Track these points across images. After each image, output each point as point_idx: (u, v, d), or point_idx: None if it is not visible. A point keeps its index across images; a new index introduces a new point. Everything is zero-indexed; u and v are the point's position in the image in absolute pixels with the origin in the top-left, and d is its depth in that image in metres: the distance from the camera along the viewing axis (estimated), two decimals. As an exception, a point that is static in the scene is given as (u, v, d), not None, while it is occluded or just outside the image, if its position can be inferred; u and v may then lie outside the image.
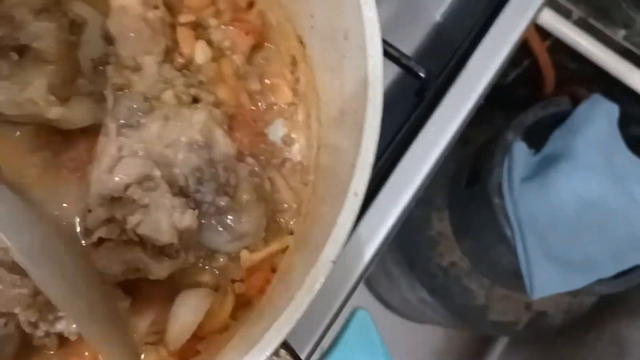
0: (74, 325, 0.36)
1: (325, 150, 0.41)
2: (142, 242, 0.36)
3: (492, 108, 0.92)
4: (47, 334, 0.37)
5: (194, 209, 0.37)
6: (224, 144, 0.40)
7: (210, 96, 0.42)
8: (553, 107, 0.90)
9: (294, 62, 0.47)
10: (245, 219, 0.39)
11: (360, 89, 0.33)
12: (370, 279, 1.17)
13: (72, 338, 0.37)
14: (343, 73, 0.37)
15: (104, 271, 0.36)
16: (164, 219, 0.36)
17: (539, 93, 1.06)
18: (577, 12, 0.96)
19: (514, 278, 0.88)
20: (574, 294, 0.93)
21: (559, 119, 0.92)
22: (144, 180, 0.36)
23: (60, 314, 0.36)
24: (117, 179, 0.36)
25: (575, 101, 0.92)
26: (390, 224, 0.49)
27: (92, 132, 0.39)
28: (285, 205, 0.43)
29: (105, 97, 0.40)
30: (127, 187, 0.36)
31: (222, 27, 0.45)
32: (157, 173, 0.37)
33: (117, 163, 0.37)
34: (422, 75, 0.51)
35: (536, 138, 0.92)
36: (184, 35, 0.44)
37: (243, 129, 0.44)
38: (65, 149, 0.41)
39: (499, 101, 0.87)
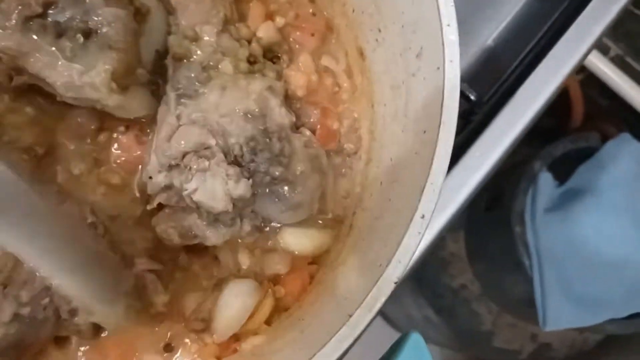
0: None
1: (377, 165, 0.41)
2: (198, 209, 0.37)
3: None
4: (84, 323, 0.37)
5: (248, 178, 0.38)
6: (279, 114, 0.40)
7: (271, 71, 0.42)
8: (582, 141, 0.90)
9: (349, 73, 0.47)
10: (299, 189, 0.39)
11: (432, 111, 0.32)
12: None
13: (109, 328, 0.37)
14: (409, 91, 0.37)
15: (162, 236, 0.38)
16: (219, 187, 0.36)
17: (566, 124, 1.06)
18: (615, 49, 0.96)
19: (524, 307, 0.88)
20: (580, 330, 0.93)
21: (585, 154, 0.92)
22: (200, 149, 0.37)
23: None
24: (175, 146, 0.37)
25: (604, 139, 0.92)
26: (422, 247, 0.49)
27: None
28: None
29: (160, 88, 0.40)
30: (184, 154, 0.37)
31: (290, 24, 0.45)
32: (212, 142, 0.37)
33: (176, 131, 0.37)
34: (472, 98, 0.51)
35: (561, 170, 0.91)
36: (255, 10, 0.45)
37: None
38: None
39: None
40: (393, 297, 0.28)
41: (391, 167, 0.37)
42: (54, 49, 0.36)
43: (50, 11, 0.36)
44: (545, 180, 0.88)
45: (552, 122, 1.04)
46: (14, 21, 0.36)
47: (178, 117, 0.38)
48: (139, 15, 0.40)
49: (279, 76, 0.43)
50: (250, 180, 0.38)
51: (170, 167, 0.37)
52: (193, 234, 0.38)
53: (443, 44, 0.32)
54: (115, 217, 0.40)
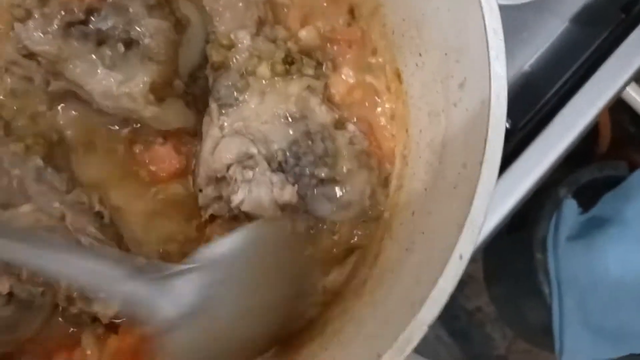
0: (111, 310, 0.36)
1: (408, 192, 0.40)
2: (248, 217, 0.38)
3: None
4: (81, 312, 0.37)
5: (293, 184, 0.38)
6: (320, 113, 0.40)
7: (310, 69, 0.42)
8: (610, 169, 0.88)
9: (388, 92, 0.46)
10: (347, 188, 0.40)
11: (474, 145, 0.31)
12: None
13: (104, 321, 0.37)
14: (449, 121, 0.36)
15: None
16: (265, 195, 0.37)
17: (591, 150, 1.04)
18: (648, 77, 0.94)
19: (540, 334, 0.86)
20: (597, 361, 0.91)
21: (611, 182, 0.90)
22: (243, 159, 0.37)
23: (100, 294, 0.36)
24: (218, 160, 0.38)
25: (632, 167, 0.90)
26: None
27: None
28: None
29: (197, 100, 0.40)
30: (228, 167, 0.38)
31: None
32: (255, 151, 0.37)
33: (219, 143, 0.38)
34: (507, 125, 0.50)
35: (585, 197, 0.90)
36: (293, 12, 0.45)
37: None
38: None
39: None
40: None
41: (425, 198, 0.36)
42: (94, 56, 0.36)
43: (93, 19, 0.36)
44: (570, 207, 0.86)
45: (580, 147, 1.02)
46: (55, 26, 0.36)
47: (221, 128, 0.38)
48: (179, 26, 0.40)
49: (317, 75, 0.43)
50: (296, 186, 0.38)
51: (218, 180, 0.38)
52: None
53: (490, 78, 0.31)
54: (119, 209, 0.41)
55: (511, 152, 0.51)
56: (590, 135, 1.00)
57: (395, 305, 0.31)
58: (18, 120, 0.40)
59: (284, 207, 0.38)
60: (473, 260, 1.00)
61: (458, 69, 0.34)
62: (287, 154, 0.38)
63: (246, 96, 0.39)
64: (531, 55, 0.57)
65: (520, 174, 0.51)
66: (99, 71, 0.36)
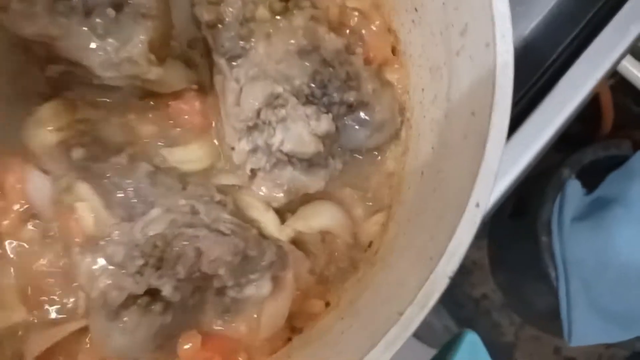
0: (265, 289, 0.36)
1: (415, 155, 0.38)
2: (290, 161, 0.36)
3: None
4: (234, 300, 0.36)
5: (327, 113, 0.36)
6: (330, 41, 0.38)
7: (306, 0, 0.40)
8: (614, 149, 0.86)
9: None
10: (378, 107, 0.38)
11: (481, 91, 0.29)
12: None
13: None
14: (453, 72, 0.33)
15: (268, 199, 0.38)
16: (303, 130, 0.36)
17: (595, 131, 1.02)
18: (648, 54, 0.93)
19: (548, 319, 0.84)
20: (607, 345, 0.88)
21: (615, 162, 0.88)
22: (272, 100, 0.36)
23: (252, 277, 0.35)
24: (246, 107, 0.36)
25: (635, 147, 0.88)
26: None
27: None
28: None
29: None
30: (258, 112, 0.36)
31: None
32: (280, 89, 0.36)
33: (240, 94, 0.36)
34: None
35: (589, 178, 0.88)
36: None
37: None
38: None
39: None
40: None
41: (433, 156, 0.34)
42: (85, 28, 0.34)
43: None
44: (574, 188, 0.84)
45: (582, 128, 1.00)
46: (38, 6, 0.33)
47: (237, 80, 0.37)
48: None
49: (314, 4, 0.41)
50: (330, 114, 0.37)
51: (249, 129, 0.36)
52: (295, 188, 0.37)
53: (493, 17, 0.29)
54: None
55: (510, 125, 0.49)
56: (594, 117, 0.99)
57: (409, 265, 0.29)
58: (106, 131, 0.38)
59: (324, 139, 0.36)
60: (477, 247, 0.98)
61: (458, 15, 0.32)
62: (312, 85, 0.36)
63: (252, 43, 0.37)
64: (524, 29, 0.55)
65: (516, 153, 0.49)
66: (92, 43, 0.34)
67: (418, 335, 1.14)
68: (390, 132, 0.39)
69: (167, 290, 0.33)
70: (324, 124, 0.36)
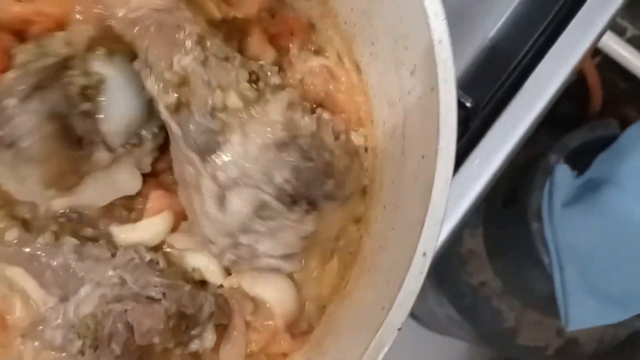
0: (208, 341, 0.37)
1: (379, 185, 0.39)
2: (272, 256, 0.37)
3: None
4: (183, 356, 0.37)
5: (309, 211, 0.37)
6: (305, 126, 0.37)
7: (275, 76, 0.38)
8: (601, 129, 0.86)
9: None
10: (348, 182, 0.39)
11: (429, 134, 0.30)
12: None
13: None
14: (407, 110, 0.35)
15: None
16: (290, 236, 0.36)
17: (584, 111, 1.02)
18: (631, 30, 0.92)
19: (548, 303, 0.85)
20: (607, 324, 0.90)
21: (604, 142, 0.88)
22: (259, 211, 0.35)
23: (193, 332, 0.36)
24: (235, 219, 0.35)
25: (624, 124, 0.88)
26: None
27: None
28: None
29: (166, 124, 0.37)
30: (244, 224, 0.36)
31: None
32: (266, 197, 0.35)
33: (224, 200, 0.35)
34: (468, 105, 0.48)
35: (579, 160, 0.88)
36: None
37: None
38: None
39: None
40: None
41: (392, 191, 0.35)
42: None
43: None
44: (563, 173, 0.85)
45: (570, 109, 1.00)
46: None
47: (213, 178, 0.35)
48: (85, 95, 0.36)
49: (283, 85, 0.39)
50: (315, 212, 0.37)
51: (235, 237, 0.36)
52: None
53: (435, 63, 0.30)
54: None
55: (477, 131, 0.50)
56: (582, 97, 0.98)
57: (368, 308, 0.30)
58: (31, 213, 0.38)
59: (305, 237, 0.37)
60: (472, 235, 0.99)
61: (407, 55, 0.33)
62: (294, 182, 0.36)
63: (226, 136, 0.35)
64: (492, 26, 0.55)
65: (490, 151, 0.49)
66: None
67: (422, 322, 1.16)
68: (357, 192, 0.40)
69: None
70: (309, 226, 0.36)
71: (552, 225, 0.80)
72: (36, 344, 0.34)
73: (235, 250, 0.36)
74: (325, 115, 0.40)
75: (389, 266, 0.30)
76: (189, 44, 0.35)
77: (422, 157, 0.31)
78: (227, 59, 0.37)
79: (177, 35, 0.35)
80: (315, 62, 0.43)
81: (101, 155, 0.37)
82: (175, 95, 0.35)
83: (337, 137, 0.39)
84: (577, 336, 0.93)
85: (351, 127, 0.41)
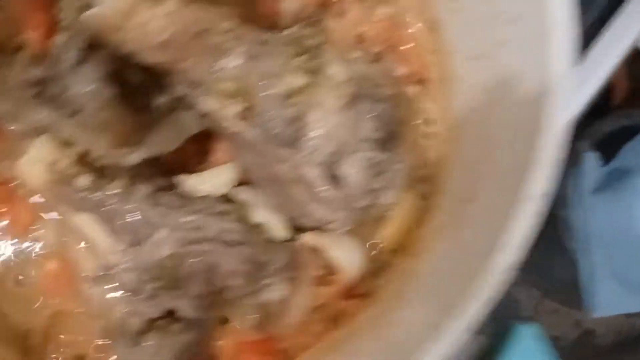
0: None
1: (457, 142, 0.38)
2: None
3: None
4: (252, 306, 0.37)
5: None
6: (367, 72, 0.37)
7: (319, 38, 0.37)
8: (627, 119, 0.86)
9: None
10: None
11: (534, 76, 0.29)
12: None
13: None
14: (497, 62, 0.33)
15: None
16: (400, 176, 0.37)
17: (605, 105, 1.01)
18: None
19: (568, 292, 0.84)
20: (627, 315, 0.90)
21: (630, 131, 0.88)
22: (369, 168, 0.35)
23: (265, 281, 0.36)
24: (352, 188, 0.36)
25: (651, 115, 0.88)
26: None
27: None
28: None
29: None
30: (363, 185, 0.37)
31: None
32: (369, 153, 0.35)
33: (335, 176, 0.36)
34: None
35: (605, 149, 0.88)
36: None
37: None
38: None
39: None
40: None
41: (480, 144, 0.34)
42: None
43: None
44: (590, 161, 0.84)
45: (597, 98, 1.00)
46: None
47: (314, 162, 0.34)
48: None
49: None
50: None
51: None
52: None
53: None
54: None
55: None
56: (608, 87, 0.98)
57: (466, 258, 0.29)
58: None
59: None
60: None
61: (508, 4, 0.32)
62: (380, 125, 0.35)
63: (307, 116, 0.33)
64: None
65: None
66: None
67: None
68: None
69: (183, 309, 0.33)
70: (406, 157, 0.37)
71: (580, 212, 0.80)
72: (105, 287, 0.33)
73: (356, 214, 0.36)
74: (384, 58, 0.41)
75: (488, 213, 0.29)
76: (227, 43, 0.33)
77: (521, 101, 0.29)
78: (266, 42, 0.35)
79: (210, 39, 0.33)
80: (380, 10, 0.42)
81: (160, 100, 0.36)
82: (239, 102, 0.33)
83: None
84: (595, 327, 0.92)
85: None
